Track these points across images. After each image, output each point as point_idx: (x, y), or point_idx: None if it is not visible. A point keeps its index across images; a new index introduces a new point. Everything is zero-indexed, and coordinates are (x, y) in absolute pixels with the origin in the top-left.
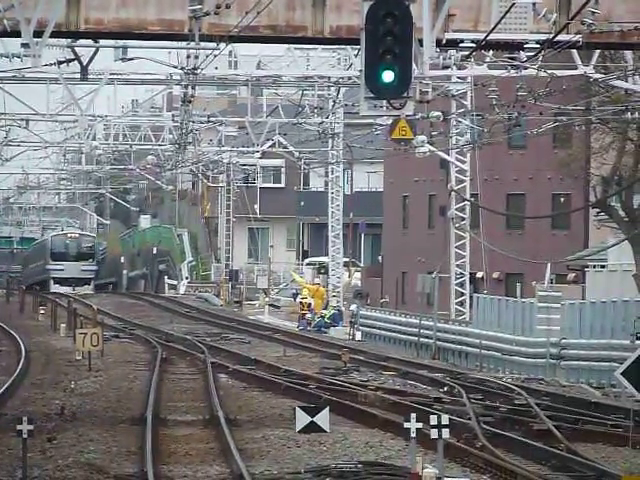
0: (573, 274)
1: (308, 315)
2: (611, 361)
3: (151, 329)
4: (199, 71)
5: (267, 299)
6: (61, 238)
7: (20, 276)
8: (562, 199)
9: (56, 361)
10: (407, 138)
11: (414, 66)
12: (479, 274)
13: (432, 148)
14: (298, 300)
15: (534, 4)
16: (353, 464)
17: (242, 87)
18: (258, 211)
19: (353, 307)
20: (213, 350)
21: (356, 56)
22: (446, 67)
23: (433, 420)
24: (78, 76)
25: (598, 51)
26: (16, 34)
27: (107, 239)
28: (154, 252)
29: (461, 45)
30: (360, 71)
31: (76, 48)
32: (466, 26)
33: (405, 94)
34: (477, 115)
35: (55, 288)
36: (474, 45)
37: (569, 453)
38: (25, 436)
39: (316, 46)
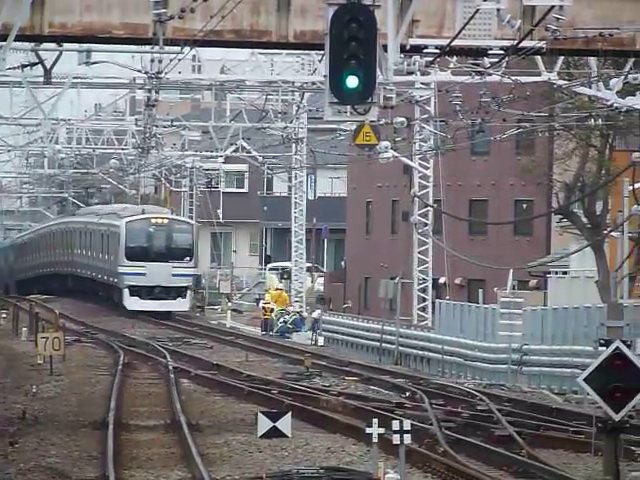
0: (535, 280)
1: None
2: (573, 367)
3: (113, 333)
4: (163, 75)
5: (230, 304)
6: (142, 225)
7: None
8: (525, 205)
9: (18, 365)
10: (371, 144)
11: (378, 71)
12: (442, 280)
13: (395, 154)
14: (261, 305)
15: (498, 10)
16: (315, 469)
17: (206, 91)
18: (221, 216)
19: (315, 314)
20: (175, 355)
21: (320, 61)
22: (410, 73)
23: (395, 425)
24: (41, 80)
25: (562, 57)
26: None
27: None
28: None
29: (425, 51)
30: (324, 76)
31: (40, 52)
32: (430, 32)
33: (369, 99)
34: (440, 121)
35: (132, 303)
36: (438, 51)
37: (531, 459)
38: None
39: (280, 51)
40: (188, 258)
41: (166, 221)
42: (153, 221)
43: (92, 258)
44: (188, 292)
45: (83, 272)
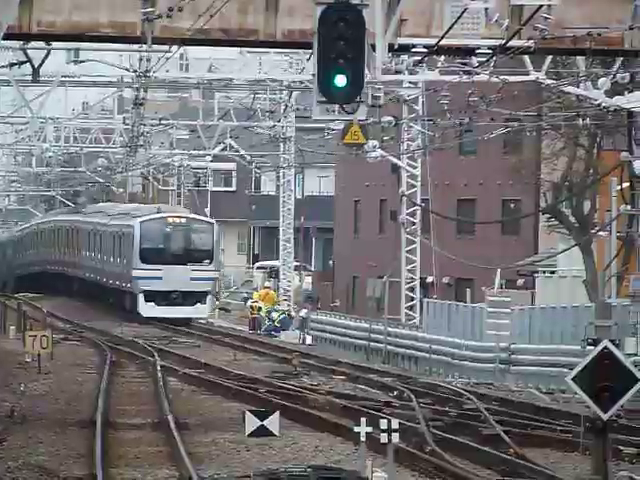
0: (523, 280)
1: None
2: (560, 367)
3: (100, 332)
4: (151, 74)
5: (217, 303)
6: (157, 225)
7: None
8: (512, 205)
9: (5, 363)
10: (359, 143)
11: (366, 71)
12: (429, 279)
13: (383, 153)
14: (249, 304)
15: (486, 9)
16: (303, 468)
17: (194, 90)
18: (209, 214)
19: (302, 313)
20: (163, 354)
21: (308, 60)
22: (398, 72)
23: (383, 424)
24: (29, 78)
25: (550, 57)
26: None
27: None
28: None
29: (413, 50)
30: (312, 75)
31: (28, 50)
32: (418, 31)
33: (357, 98)
34: (428, 120)
35: (147, 310)
36: (426, 50)
37: (518, 458)
38: None
39: (268, 50)
40: (208, 261)
41: (184, 220)
42: (170, 220)
43: (102, 262)
44: (208, 297)
45: (92, 276)
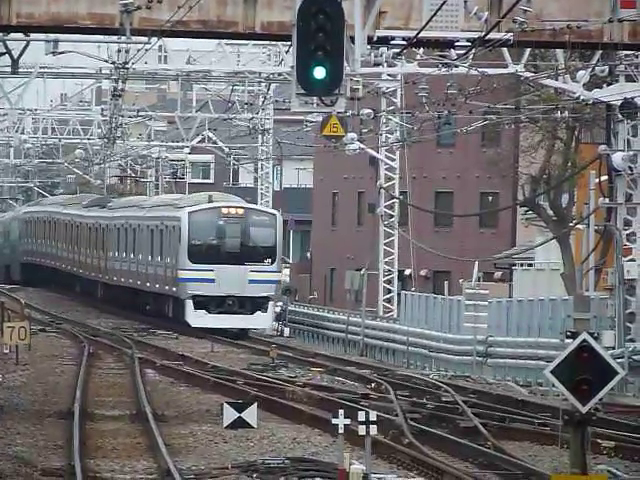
0: (500, 272)
1: None
2: (538, 359)
3: (78, 323)
4: (129, 65)
5: None
6: (209, 216)
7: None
8: (490, 198)
9: None
10: (338, 135)
11: (345, 63)
12: (407, 271)
13: (362, 145)
14: None
15: (465, 2)
16: (280, 460)
17: (172, 82)
18: None
19: (278, 308)
20: (140, 345)
21: (287, 52)
22: (377, 64)
23: (361, 416)
24: (8, 70)
25: (529, 50)
26: None
27: None
28: None
29: (392, 42)
30: (291, 67)
31: (7, 42)
32: (397, 24)
33: (336, 91)
34: (407, 113)
35: (197, 319)
36: (405, 43)
37: (496, 451)
38: None
39: (247, 42)
40: (269, 260)
41: (241, 212)
42: (224, 211)
43: (137, 263)
44: (270, 304)
45: (122, 281)
